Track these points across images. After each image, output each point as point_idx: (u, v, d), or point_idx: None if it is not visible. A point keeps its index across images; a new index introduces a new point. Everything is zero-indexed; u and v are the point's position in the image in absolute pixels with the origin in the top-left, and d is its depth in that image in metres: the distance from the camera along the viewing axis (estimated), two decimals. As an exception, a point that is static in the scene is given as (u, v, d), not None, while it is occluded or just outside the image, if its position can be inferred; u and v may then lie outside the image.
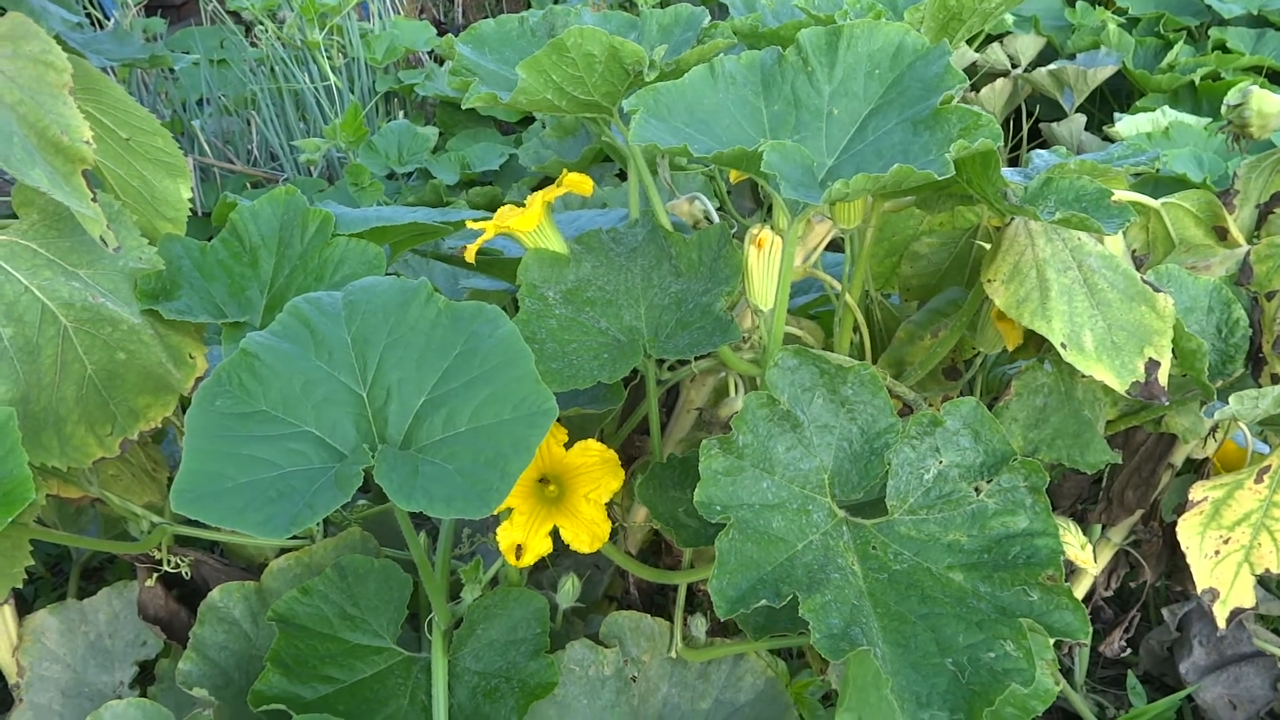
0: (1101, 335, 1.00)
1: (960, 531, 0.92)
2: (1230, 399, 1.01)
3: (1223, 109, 1.28)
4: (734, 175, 1.27)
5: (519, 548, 1.01)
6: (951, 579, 0.89)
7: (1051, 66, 2.63)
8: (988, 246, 1.31)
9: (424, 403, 0.91)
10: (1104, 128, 2.45)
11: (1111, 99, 2.88)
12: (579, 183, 1.12)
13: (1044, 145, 2.72)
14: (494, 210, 1.12)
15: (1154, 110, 2.35)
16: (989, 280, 1.04)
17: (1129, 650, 1.43)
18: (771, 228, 1.03)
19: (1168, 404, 1.00)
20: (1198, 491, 1.12)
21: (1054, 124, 2.58)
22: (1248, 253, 1.19)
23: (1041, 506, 0.91)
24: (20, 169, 0.91)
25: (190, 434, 0.87)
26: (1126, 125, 2.28)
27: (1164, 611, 1.47)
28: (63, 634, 1.26)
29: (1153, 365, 1.00)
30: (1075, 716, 1.44)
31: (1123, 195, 1.19)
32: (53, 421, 1.02)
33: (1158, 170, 2.00)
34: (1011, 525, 0.91)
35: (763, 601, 0.84)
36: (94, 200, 0.99)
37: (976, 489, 0.93)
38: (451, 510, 0.82)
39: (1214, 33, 2.79)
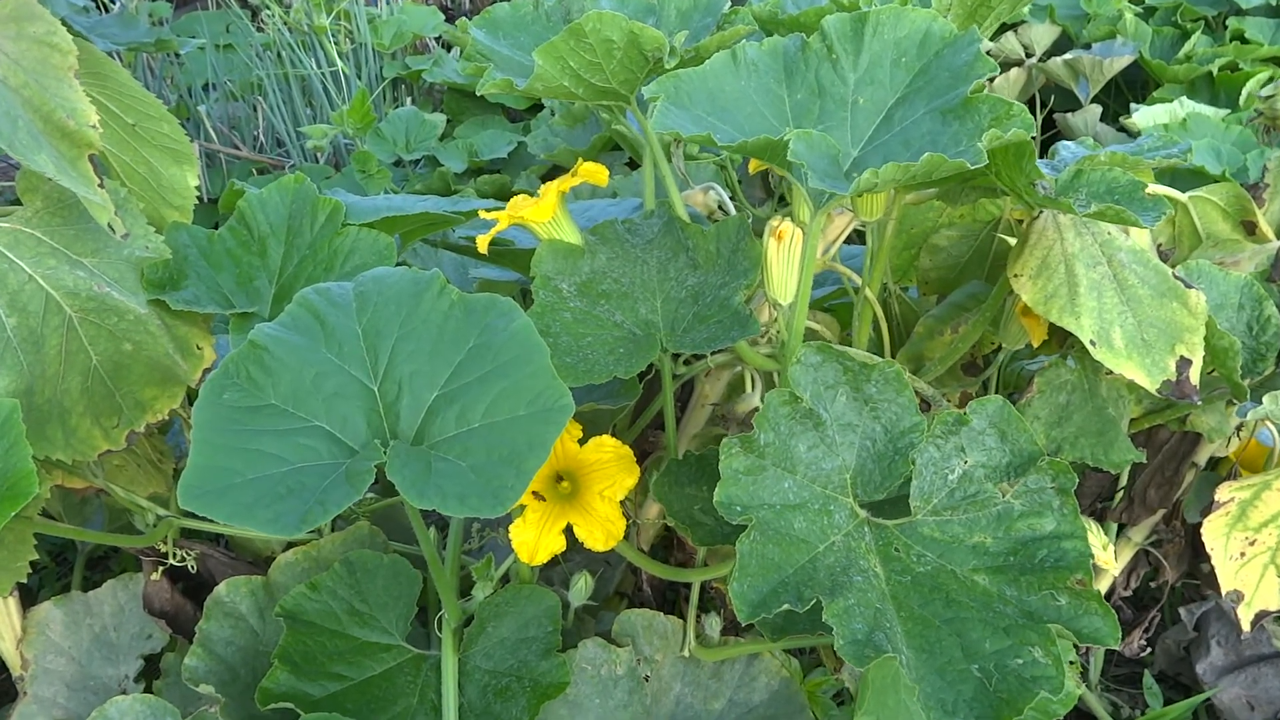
0: (1132, 332, 0.97)
1: (985, 533, 0.89)
2: (1265, 398, 0.98)
3: (1245, 98, 1.25)
4: (754, 165, 1.24)
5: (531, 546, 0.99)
6: (977, 582, 0.87)
7: (1067, 56, 2.59)
8: (1009, 239, 1.29)
9: (437, 397, 0.89)
10: (1120, 119, 2.42)
11: (1127, 90, 2.84)
12: (594, 172, 1.09)
13: (1058, 136, 2.68)
14: (503, 199, 1.09)
15: (1171, 101, 2.31)
16: (1016, 275, 1.01)
17: (1147, 650, 1.41)
18: (791, 219, 1.00)
19: (1199, 403, 0.98)
20: (1224, 492, 1.10)
21: (1069, 115, 2.54)
22: (1279, 248, 1.16)
23: (1070, 508, 0.89)
24: (25, 153, 0.89)
25: (198, 428, 0.85)
26: (1143, 116, 2.25)
27: (1181, 611, 1.45)
28: (67, 626, 1.25)
29: (1184, 363, 0.97)
30: (1089, 716, 1.42)
31: (1152, 189, 1.16)
32: (57, 414, 1.00)
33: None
34: (1038, 527, 0.89)
35: (785, 606, 0.82)
36: (100, 186, 0.97)
37: (1002, 490, 0.91)
38: (465, 509, 0.80)
39: (1232, 23, 2.75)
